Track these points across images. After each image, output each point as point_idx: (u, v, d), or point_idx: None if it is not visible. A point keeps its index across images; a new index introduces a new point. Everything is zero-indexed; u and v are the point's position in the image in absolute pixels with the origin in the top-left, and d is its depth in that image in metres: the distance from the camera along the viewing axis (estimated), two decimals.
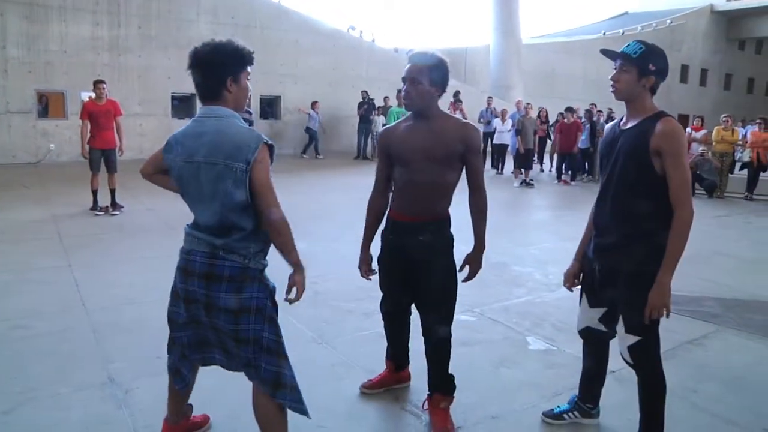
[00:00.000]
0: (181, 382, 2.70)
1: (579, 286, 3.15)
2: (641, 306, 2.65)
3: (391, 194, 3.26)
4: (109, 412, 3.20)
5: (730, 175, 13.57)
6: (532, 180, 13.88)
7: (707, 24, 37.63)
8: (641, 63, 2.68)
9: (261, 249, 2.44)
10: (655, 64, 2.69)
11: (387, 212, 3.26)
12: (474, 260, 3.26)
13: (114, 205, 8.67)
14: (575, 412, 3.23)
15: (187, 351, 2.61)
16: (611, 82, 2.77)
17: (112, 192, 8.62)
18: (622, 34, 33.29)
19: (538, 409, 3.39)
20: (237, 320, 2.39)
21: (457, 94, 16.36)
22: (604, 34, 33.47)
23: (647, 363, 2.81)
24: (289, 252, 2.39)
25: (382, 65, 19.98)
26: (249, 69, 2.43)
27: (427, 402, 3.27)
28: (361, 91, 17.77)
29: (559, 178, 14.75)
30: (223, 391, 3.26)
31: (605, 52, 2.86)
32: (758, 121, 13.50)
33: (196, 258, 2.43)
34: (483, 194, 3.17)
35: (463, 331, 4.48)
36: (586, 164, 15.62)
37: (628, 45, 2.74)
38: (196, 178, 2.35)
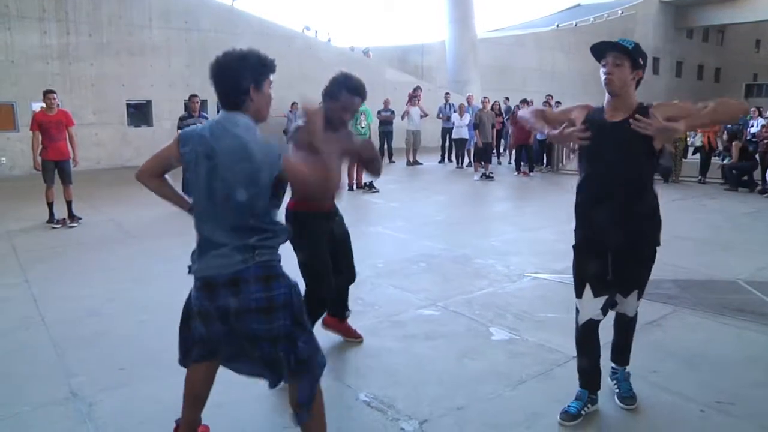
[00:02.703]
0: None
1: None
2: (646, 277, 3.11)
3: None
4: (72, 428, 3.16)
5: (683, 159, 13.89)
6: (491, 173, 14.03)
7: (656, 14, 38.46)
8: (634, 56, 2.78)
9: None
10: (643, 59, 2.82)
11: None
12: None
13: (71, 217, 8.50)
14: (588, 405, 3.23)
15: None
16: (604, 76, 2.85)
17: (69, 204, 8.46)
18: (575, 25, 33.80)
19: (503, 398, 3.45)
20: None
21: (416, 90, 16.84)
22: (557, 26, 33.92)
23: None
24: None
25: (338, 65, 19.81)
26: (271, 77, 2.45)
27: (333, 323, 4.12)
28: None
29: (518, 169, 14.92)
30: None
31: (598, 45, 2.90)
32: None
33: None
34: None
35: (426, 325, 4.54)
36: (544, 155, 15.81)
37: (618, 40, 2.82)
38: (212, 178, 2.37)
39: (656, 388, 3.51)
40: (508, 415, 3.26)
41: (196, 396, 2.74)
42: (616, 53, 2.80)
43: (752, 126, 12.55)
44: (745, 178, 11.80)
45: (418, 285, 5.56)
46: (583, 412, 3.20)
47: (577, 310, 3.21)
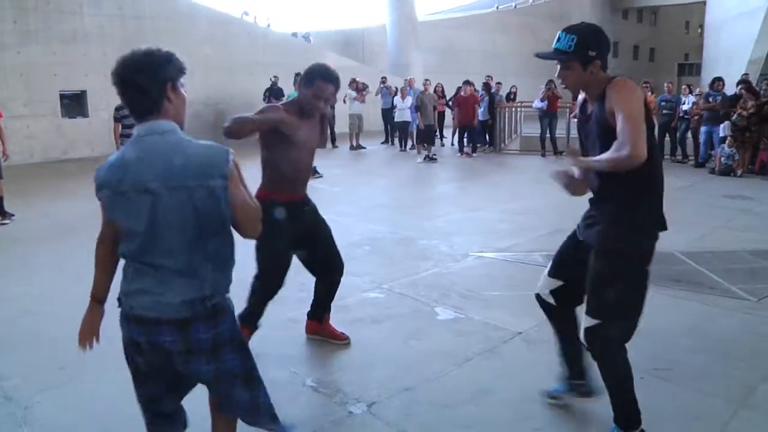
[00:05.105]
0: None
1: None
2: (603, 290, 2.59)
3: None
4: None
5: None
6: (434, 155, 14.09)
7: None
8: (580, 55, 2.53)
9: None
10: (594, 48, 2.55)
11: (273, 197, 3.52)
12: None
13: (3, 213, 8.13)
14: (569, 392, 3.11)
15: None
16: (559, 80, 2.65)
17: (0, 200, 8.12)
18: (515, 7, 34.19)
19: (450, 377, 3.49)
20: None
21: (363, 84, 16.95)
22: (497, 8, 34.20)
23: (602, 350, 2.69)
24: None
25: (279, 50, 19.66)
26: (183, 80, 2.19)
27: (315, 327, 4.01)
28: (273, 76, 17.07)
29: (461, 150, 15.07)
30: None
31: (541, 56, 2.69)
32: (643, 84, 14.22)
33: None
34: None
35: (372, 308, 4.56)
36: (487, 135, 16.00)
37: (559, 39, 2.57)
38: (154, 210, 2.03)
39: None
40: (455, 394, 3.30)
41: None
42: (562, 59, 2.57)
43: (684, 103, 12.93)
44: None
45: (363, 268, 5.55)
46: (563, 396, 3.12)
47: None
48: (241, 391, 2.29)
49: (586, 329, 2.66)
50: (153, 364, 2.19)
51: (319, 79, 3.47)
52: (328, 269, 3.90)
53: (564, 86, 2.68)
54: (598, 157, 2.48)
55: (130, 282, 2.13)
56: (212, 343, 2.15)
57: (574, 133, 9.51)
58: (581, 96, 2.83)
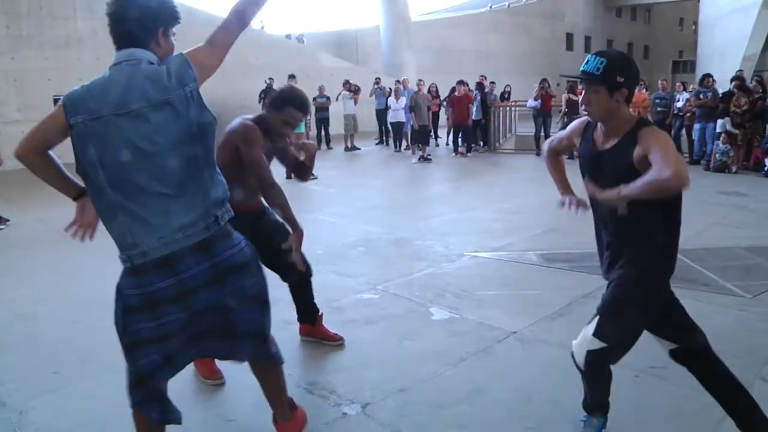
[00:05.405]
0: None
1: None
2: (620, 314, 2.54)
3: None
4: None
5: None
6: (429, 155, 14.12)
7: None
8: (608, 79, 2.41)
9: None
10: (622, 75, 2.43)
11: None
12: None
13: None
14: None
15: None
16: (582, 106, 2.53)
17: None
18: (508, 6, 34.22)
19: (444, 377, 3.48)
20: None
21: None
22: (490, 7, 34.24)
23: (599, 371, 2.64)
24: None
25: (272, 52, 19.66)
26: (175, 29, 2.22)
27: (308, 330, 4.00)
28: (268, 78, 17.02)
29: (455, 150, 15.09)
30: None
31: (567, 77, 2.64)
32: (640, 82, 14.26)
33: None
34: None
35: (366, 310, 4.55)
36: (480, 134, 16.02)
37: (588, 61, 2.46)
38: (139, 133, 2.03)
39: None
40: (450, 394, 3.29)
41: None
42: (588, 81, 2.46)
43: (678, 100, 12.95)
44: None
45: (358, 269, 5.56)
46: None
47: None
48: (258, 315, 2.39)
49: (590, 352, 2.54)
50: (163, 325, 2.16)
51: (290, 106, 3.46)
52: (295, 270, 3.80)
53: (587, 113, 2.58)
54: (632, 185, 2.26)
55: (130, 231, 2.12)
56: (240, 260, 2.23)
57: None
58: (578, 122, 2.77)
